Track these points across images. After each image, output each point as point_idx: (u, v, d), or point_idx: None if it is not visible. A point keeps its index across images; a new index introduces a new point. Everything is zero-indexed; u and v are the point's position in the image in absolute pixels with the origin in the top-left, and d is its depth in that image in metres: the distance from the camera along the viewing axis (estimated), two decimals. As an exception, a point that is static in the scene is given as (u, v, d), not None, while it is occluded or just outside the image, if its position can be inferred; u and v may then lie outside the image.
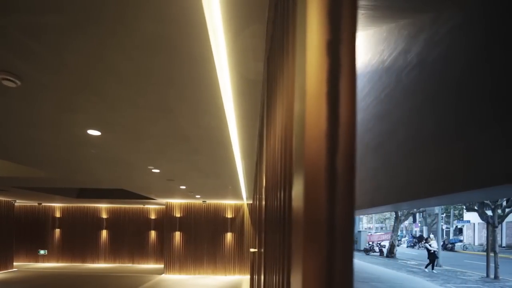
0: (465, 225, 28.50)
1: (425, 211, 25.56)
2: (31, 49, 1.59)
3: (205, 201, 9.82)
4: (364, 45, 9.45)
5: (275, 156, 0.91)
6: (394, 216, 18.30)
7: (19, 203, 11.18)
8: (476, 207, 13.26)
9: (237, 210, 9.97)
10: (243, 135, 3.00)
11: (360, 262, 14.35)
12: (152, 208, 11.65)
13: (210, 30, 1.39)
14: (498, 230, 12.56)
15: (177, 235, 9.95)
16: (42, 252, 11.60)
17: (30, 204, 11.52)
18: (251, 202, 9.36)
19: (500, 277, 10.34)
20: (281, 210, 0.72)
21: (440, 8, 5.20)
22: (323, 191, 0.37)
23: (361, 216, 36.60)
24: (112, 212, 11.68)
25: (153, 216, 11.68)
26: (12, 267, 10.35)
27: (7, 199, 10.00)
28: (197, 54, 1.59)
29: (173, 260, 9.88)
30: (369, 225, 42.95)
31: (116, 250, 11.65)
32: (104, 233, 11.66)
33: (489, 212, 12.08)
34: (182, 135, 2.98)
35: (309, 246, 0.38)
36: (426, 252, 14.81)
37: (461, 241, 27.72)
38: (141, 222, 11.67)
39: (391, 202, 7.25)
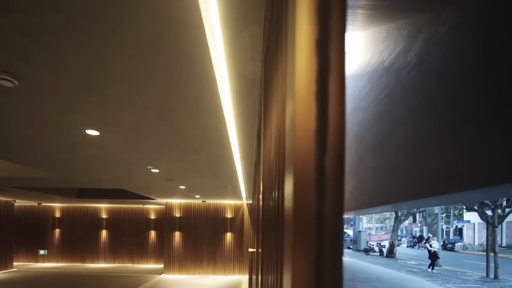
0: (465, 225, 28.49)
1: (425, 211, 25.55)
2: (29, 49, 1.59)
3: (204, 201, 9.82)
4: (364, 45, 9.45)
5: (270, 156, 0.91)
6: (394, 216, 18.30)
7: (18, 203, 11.19)
8: (476, 207, 13.25)
9: (237, 210, 9.97)
10: (242, 135, 3.00)
11: (360, 262, 14.34)
12: (152, 208, 11.66)
13: (208, 30, 1.39)
14: (498, 230, 12.55)
15: (177, 235, 9.95)
16: (42, 252, 11.60)
17: (29, 204, 11.53)
18: (250, 202, 9.36)
19: (500, 277, 10.34)
20: (275, 210, 0.72)
21: (439, 8, 5.20)
22: (312, 191, 0.36)
23: (361, 216, 36.59)
24: (112, 212, 11.68)
25: (153, 216, 11.68)
26: (12, 267, 10.35)
27: (7, 199, 10.01)
28: (195, 54, 1.58)
29: (172, 260, 9.88)
30: (369, 225, 42.94)
31: (116, 250, 11.65)
32: (104, 233, 11.66)
33: (489, 212, 12.08)
34: (181, 135, 2.98)
35: (299, 245, 0.38)
36: (426, 252, 14.82)
37: (461, 241, 27.71)
38: (141, 222, 11.67)
39: (391, 202, 7.25)
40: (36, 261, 11.67)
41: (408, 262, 15.25)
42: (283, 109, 0.60)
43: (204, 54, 1.58)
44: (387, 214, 33.13)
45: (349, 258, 15.94)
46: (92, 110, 2.38)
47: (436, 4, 5.44)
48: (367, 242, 21.29)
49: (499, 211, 12.05)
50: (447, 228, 30.25)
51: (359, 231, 22.89)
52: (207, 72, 1.76)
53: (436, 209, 25.12)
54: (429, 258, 12.42)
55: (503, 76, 3.86)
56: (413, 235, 30.83)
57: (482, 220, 12.30)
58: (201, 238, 9.92)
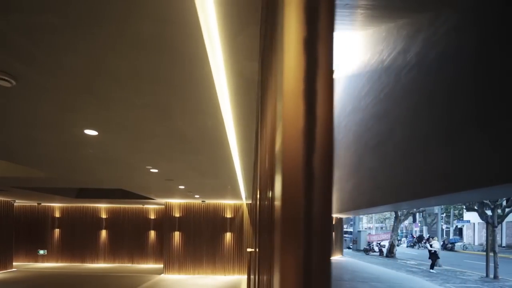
0: (465, 225, 28.49)
1: (424, 210, 25.55)
2: (27, 49, 1.59)
3: (204, 201, 9.82)
4: (364, 44, 9.45)
5: (265, 155, 0.91)
6: (394, 216, 18.30)
7: (18, 203, 11.18)
8: (476, 207, 13.25)
9: (237, 210, 9.97)
10: (240, 135, 3.00)
11: (359, 262, 14.34)
12: (152, 208, 11.66)
13: (204, 30, 1.39)
14: (498, 230, 12.55)
15: (177, 235, 9.95)
16: (41, 252, 11.60)
17: (29, 204, 11.52)
18: (250, 202, 9.36)
19: (500, 277, 10.34)
20: (269, 210, 0.72)
21: (438, 8, 5.20)
22: (300, 191, 0.36)
23: (361, 216, 36.60)
24: (111, 212, 11.68)
25: (152, 216, 11.68)
26: (11, 267, 10.35)
27: (7, 199, 10.01)
28: (192, 54, 1.58)
29: (172, 260, 9.88)
30: (369, 225, 42.94)
31: (116, 250, 11.65)
32: (103, 233, 11.66)
33: (489, 212, 12.07)
34: (179, 135, 2.98)
35: (287, 245, 0.38)
36: (425, 252, 14.81)
37: (460, 240, 27.71)
38: (141, 222, 11.67)
39: (390, 202, 7.25)
40: (36, 261, 11.67)
41: (408, 262, 15.25)
42: (275, 108, 0.60)
43: (202, 54, 1.58)
44: (387, 214, 33.14)
45: (349, 258, 15.95)
46: (90, 110, 2.38)
47: (434, 4, 5.44)
48: (367, 242, 21.30)
49: (499, 211, 12.05)
50: (447, 228, 30.25)
51: (359, 231, 22.89)
52: (205, 73, 1.76)
53: (436, 209, 25.11)
54: (429, 258, 12.41)
55: (502, 76, 3.86)
56: (413, 235, 30.84)
57: (482, 220, 12.30)
58: (200, 238, 9.92)
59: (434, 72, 5.41)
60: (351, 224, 31.45)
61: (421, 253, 20.00)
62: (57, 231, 11.66)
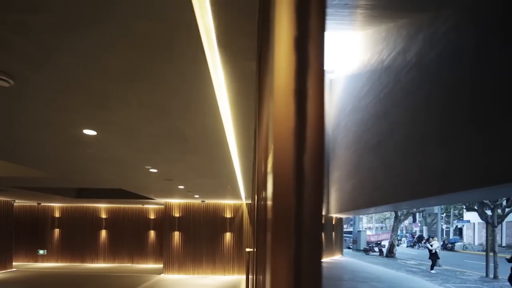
0: (465, 224, 28.49)
1: (424, 210, 25.54)
2: (24, 48, 1.59)
3: (204, 201, 9.82)
4: (364, 44, 9.44)
5: (262, 155, 0.90)
6: (394, 216, 18.29)
7: (18, 203, 11.18)
8: (476, 207, 13.24)
9: (236, 210, 9.97)
10: (239, 135, 3.00)
11: (359, 262, 14.34)
12: (151, 208, 11.65)
13: (201, 29, 1.39)
14: (498, 229, 12.54)
15: (176, 235, 9.95)
16: (41, 252, 11.60)
17: (29, 204, 11.52)
18: (249, 202, 9.36)
19: (500, 277, 10.33)
20: (264, 210, 0.72)
21: (437, 8, 5.20)
22: (291, 191, 0.36)
23: (361, 216, 36.60)
24: (111, 212, 11.68)
25: (152, 216, 11.68)
26: (11, 267, 10.35)
27: (6, 199, 10.01)
28: (189, 53, 1.58)
29: (172, 260, 9.88)
30: (369, 225, 42.93)
31: (115, 250, 11.65)
32: (103, 233, 11.66)
33: (489, 212, 12.07)
34: (178, 134, 2.98)
35: (278, 245, 0.37)
36: (425, 252, 14.81)
37: (460, 240, 27.70)
38: (140, 222, 11.67)
39: (390, 202, 7.25)
40: (36, 261, 11.67)
41: (408, 262, 15.25)
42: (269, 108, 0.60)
43: (199, 54, 1.58)
44: (387, 214, 33.14)
45: (349, 258, 15.95)
46: (88, 110, 2.38)
47: (434, 4, 5.44)
48: (367, 242, 21.30)
49: (499, 211, 12.04)
50: (447, 228, 30.25)
51: (359, 231, 22.90)
52: (202, 72, 1.75)
53: (436, 209, 25.11)
54: (429, 258, 12.39)
55: (503, 75, 3.85)
56: (413, 235, 30.83)
57: (482, 220, 12.30)
58: (200, 238, 9.92)
59: (434, 72, 5.41)
60: (351, 224, 31.46)
61: (421, 253, 20.00)
62: (57, 231, 11.66)
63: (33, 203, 11.46)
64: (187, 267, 9.85)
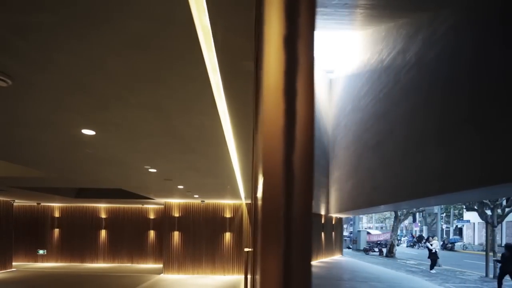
0: (465, 224, 28.48)
1: (424, 210, 25.53)
2: (21, 48, 1.58)
3: (203, 201, 9.82)
4: (363, 44, 9.44)
5: (258, 155, 0.90)
6: (394, 215, 18.29)
7: (18, 203, 11.19)
8: (476, 207, 13.24)
9: (236, 209, 9.97)
10: (238, 134, 3.00)
11: (359, 262, 14.34)
12: (151, 208, 11.66)
13: (199, 29, 1.38)
14: (497, 229, 12.54)
15: (176, 234, 9.95)
16: (41, 252, 11.60)
17: (29, 204, 11.52)
18: (249, 201, 9.36)
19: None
20: (258, 210, 0.71)
21: (437, 7, 5.19)
22: (280, 190, 0.36)
23: (361, 216, 36.61)
24: (111, 212, 11.68)
25: (152, 216, 11.68)
26: (11, 267, 10.35)
27: (6, 199, 10.01)
28: (187, 53, 1.58)
29: (171, 259, 9.87)
30: (369, 225, 42.95)
31: (115, 249, 11.65)
32: (103, 233, 11.66)
33: (489, 212, 12.07)
34: (176, 134, 2.97)
35: (268, 245, 0.37)
36: (425, 252, 14.81)
37: (460, 240, 27.69)
38: (140, 222, 11.67)
39: (390, 201, 7.24)
40: (35, 261, 11.67)
41: (408, 262, 15.25)
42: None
43: (197, 53, 1.58)
44: (387, 214, 33.14)
45: (348, 258, 15.95)
46: (87, 110, 2.37)
47: (434, 4, 5.43)
48: (367, 241, 21.31)
49: (499, 210, 12.04)
50: (447, 227, 30.25)
51: (359, 231, 22.90)
52: (200, 72, 1.75)
53: (436, 209, 25.10)
54: (428, 258, 12.39)
55: (500, 76, 3.85)
56: (412, 234, 30.83)
57: (482, 219, 12.30)
58: (200, 238, 9.92)
59: (433, 72, 5.41)
60: (351, 224, 31.46)
61: (420, 253, 20.00)
62: (56, 231, 11.66)
63: (33, 203, 11.46)
64: (187, 267, 9.85)
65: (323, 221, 14.49)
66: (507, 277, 8.52)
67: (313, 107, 0.37)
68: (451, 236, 27.85)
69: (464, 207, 20.83)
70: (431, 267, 12.11)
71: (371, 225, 42.08)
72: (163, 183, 6.12)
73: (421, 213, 26.70)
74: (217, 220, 9.93)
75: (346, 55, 11.66)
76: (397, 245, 19.99)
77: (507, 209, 12.46)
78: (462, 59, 4.61)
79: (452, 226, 29.25)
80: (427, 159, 5.50)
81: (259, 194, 0.40)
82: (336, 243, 16.20)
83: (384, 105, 7.51)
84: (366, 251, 19.60)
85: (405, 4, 6.28)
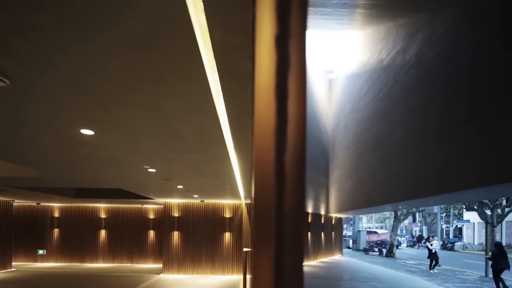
0: (465, 224, 28.48)
1: (424, 210, 25.53)
2: (19, 48, 1.58)
3: (203, 201, 9.82)
4: (363, 44, 9.44)
5: (254, 154, 0.90)
6: (394, 215, 18.29)
7: (17, 203, 11.18)
8: (475, 207, 13.24)
9: (235, 209, 9.97)
10: (237, 134, 3.00)
11: (359, 262, 14.35)
12: (151, 208, 11.65)
13: (196, 29, 1.38)
14: (497, 229, 12.54)
15: (176, 234, 9.94)
16: (40, 251, 11.60)
17: (28, 204, 11.52)
18: (249, 201, 9.36)
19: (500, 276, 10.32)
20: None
21: (437, 7, 5.19)
22: (272, 190, 0.36)
23: (360, 216, 36.61)
24: (110, 212, 11.68)
25: (151, 216, 11.67)
26: (10, 267, 10.35)
27: (6, 199, 10.01)
28: (184, 53, 1.58)
29: (171, 259, 9.87)
30: (369, 225, 42.96)
31: (115, 249, 11.65)
32: (102, 233, 11.66)
33: (489, 212, 12.07)
34: (175, 134, 2.97)
35: (259, 245, 0.37)
36: (425, 252, 14.80)
37: (460, 240, 27.69)
38: (140, 222, 11.67)
39: (389, 201, 7.24)
40: (35, 261, 11.67)
41: (407, 261, 15.26)
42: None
43: (195, 53, 1.58)
44: (387, 214, 33.15)
45: (348, 258, 15.95)
46: (85, 110, 2.37)
47: (433, 4, 5.43)
48: (367, 241, 21.31)
49: (499, 210, 12.04)
50: (447, 227, 30.26)
51: (359, 231, 22.90)
52: (198, 71, 1.75)
53: (436, 209, 25.07)
54: (428, 258, 12.38)
55: (500, 76, 3.85)
56: (412, 234, 30.83)
57: (482, 219, 12.29)
58: (199, 237, 9.92)
59: (433, 72, 5.41)
60: (351, 224, 31.46)
61: (420, 252, 20.00)
62: (56, 231, 11.66)
63: (33, 203, 11.46)
64: (187, 267, 9.85)
65: (323, 221, 14.50)
66: (509, 277, 8.56)
67: (304, 107, 0.37)
68: (451, 236, 27.86)
69: (464, 207, 20.83)
70: (430, 267, 12.11)
71: (371, 225, 42.09)
72: (162, 183, 6.12)
73: (421, 213, 26.72)
74: (216, 220, 9.93)
75: (345, 55, 11.66)
76: (398, 246, 19.99)
77: (506, 209, 12.46)
78: (462, 59, 4.60)
79: (452, 226, 29.26)
80: (427, 159, 5.50)
81: (252, 193, 0.40)
82: (336, 243, 16.20)
83: (384, 105, 7.51)
84: (365, 251, 19.61)
85: (404, 4, 6.27)
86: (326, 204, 13.69)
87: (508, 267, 8.59)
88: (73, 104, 2.26)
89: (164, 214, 10.02)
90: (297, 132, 0.37)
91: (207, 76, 1.81)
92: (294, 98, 0.37)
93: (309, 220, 13.22)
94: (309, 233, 13.10)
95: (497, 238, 13.79)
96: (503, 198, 12.12)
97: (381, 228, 38.76)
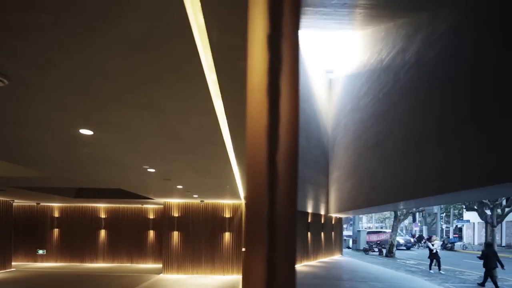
0: (465, 224, 28.48)
1: (424, 210, 25.53)
2: (18, 48, 1.58)
3: (203, 201, 9.82)
4: (363, 44, 9.43)
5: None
6: (394, 215, 18.29)
7: (17, 203, 11.18)
8: (475, 207, 13.23)
9: (235, 209, 9.97)
10: (236, 134, 3.00)
11: (359, 262, 14.34)
12: (151, 207, 11.66)
13: (194, 28, 1.38)
14: (497, 229, 12.54)
15: (175, 234, 9.94)
16: (40, 251, 11.60)
17: (28, 204, 11.52)
18: (249, 201, 9.33)
19: (499, 277, 10.32)
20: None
21: (436, 7, 5.18)
22: (264, 190, 0.36)
23: (360, 216, 36.61)
24: (110, 212, 11.68)
25: (151, 216, 11.67)
26: (10, 267, 10.35)
27: (5, 199, 10.01)
28: (183, 52, 1.58)
29: (171, 259, 9.87)
30: (369, 225, 42.95)
31: (115, 249, 11.65)
32: (102, 232, 11.66)
33: (488, 212, 12.06)
34: (174, 134, 2.97)
35: (252, 245, 0.37)
36: (425, 252, 14.80)
37: (460, 240, 27.69)
38: (140, 222, 11.67)
39: (389, 201, 7.24)
40: (35, 260, 11.67)
41: (407, 261, 15.25)
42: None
43: (193, 53, 1.58)
44: (387, 214, 33.14)
45: (348, 258, 15.95)
46: (84, 110, 2.37)
47: (433, 3, 5.43)
48: (366, 241, 21.31)
49: (499, 210, 12.03)
50: (447, 227, 30.25)
51: (359, 231, 22.90)
52: (197, 71, 1.75)
53: (436, 209, 25.06)
54: (428, 258, 12.34)
55: (499, 76, 3.85)
56: (412, 234, 30.82)
57: (482, 219, 12.29)
58: (199, 237, 9.92)
59: (433, 72, 5.40)
60: (350, 224, 31.46)
61: (420, 252, 20.00)
62: (56, 230, 11.66)
63: (32, 203, 11.46)
64: (186, 267, 9.85)
65: (322, 221, 14.49)
66: (509, 277, 8.60)
67: (297, 106, 0.37)
68: (451, 236, 27.85)
69: (464, 207, 20.83)
70: (430, 267, 12.09)
71: (371, 225, 42.08)
72: (162, 183, 6.12)
73: (421, 213, 26.72)
74: (216, 220, 9.93)
75: (345, 55, 11.66)
76: (399, 247, 19.98)
77: (506, 209, 12.46)
78: (462, 59, 4.60)
79: (452, 226, 29.25)
80: (426, 159, 5.50)
81: (245, 193, 0.40)
82: (336, 243, 16.20)
83: (384, 105, 7.51)
84: (365, 251, 19.61)
85: (404, 3, 6.27)
86: (326, 204, 13.69)
87: (496, 266, 9.16)
88: (72, 104, 2.26)
89: (164, 214, 10.02)
90: (289, 131, 0.36)
91: (206, 76, 1.81)
92: (287, 97, 0.36)
93: (309, 220, 13.21)
94: (308, 233, 13.10)
95: (497, 238, 13.79)
96: (503, 198, 12.12)
97: (381, 228, 38.75)
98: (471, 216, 25.06)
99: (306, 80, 11.45)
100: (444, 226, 30.35)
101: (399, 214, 17.48)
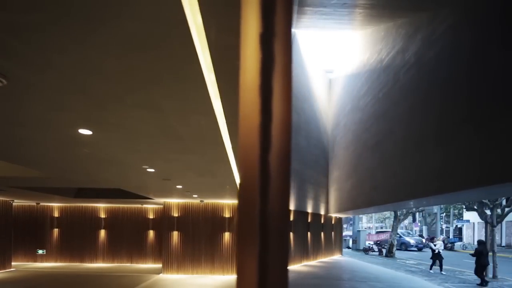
0: (465, 224, 28.46)
1: (424, 210, 25.50)
2: (16, 48, 1.58)
3: (202, 201, 9.81)
4: (362, 44, 9.42)
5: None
6: (394, 215, 18.28)
7: (17, 203, 11.18)
8: (475, 206, 13.21)
9: (235, 209, 9.96)
10: (235, 134, 2.99)
11: (359, 262, 14.34)
12: (150, 207, 11.65)
13: (193, 28, 1.38)
14: (497, 229, 12.51)
15: (175, 234, 9.94)
16: (40, 251, 11.60)
17: (28, 204, 11.52)
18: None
19: (499, 277, 10.33)
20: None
21: (436, 7, 5.18)
22: (256, 189, 0.36)
23: (360, 216, 36.60)
24: (110, 212, 11.68)
25: (151, 216, 11.67)
26: (10, 267, 10.35)
27: (5, 199, 10.01)
28: (181, 52, 1.58)
29: (171, 259, 9.87)
30: (369, 225, 42.94)
31: (115, 249, 11.64)
32: (102, 232, 11.65)
33: (488, 212, 12.04)
34: (173, 134, 2.97)
35: (244, 243, 0.37)
36: (424, 252, 14.78)
37: (460, 240, 27.66)
38: (139, 222, 11.66)
39: (388, 201, 7.23)
40: (35, 260, 11.67)
41: (407, 261, 15.24)
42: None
43: (192, 53, 1.57)
44: (387, 214, 33.12)
45: (348, 258, 15.94)
46: (83, 110, 2.37)
47: (433, 3, 5.43)
48: (366, 241, 21.30)
49: (499, 210, 12.01)
50: (446, 227, 30.23)
51: (359, 231, 22.88)
52: (195, 71, 1.75)
53: (436, 209, 25.04)
54: (431, 258, 12.28)
55: (499, 76, 3.85)
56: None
57: (482, 219, 12.27)
58: (199, 237, 9.92)
59: (432, 72, 5.40)
60: (350, 224, 31.45)
61: (420, 252, 19.99)
62: (56, 230, 11.66)
63: (32, 203, 11.46)
64: (186, 267, 9.85)
65: (322, 221, 14.49)
66: (509, 276, 8.59)
67: (289, 106, 0.37)
68: (451, 236, 27.83)
69: (464, 207, 20.80)
70: (431, 267, 12.08)
71: (371, 224, 42.06)
72: (161, 183, 6.12)
73: (421, 213, 26.69)
74: (216, 220, 9.93)
75: (345, 55, 11.65)
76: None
77: (506, 209, 12.43)
78: (461, 59, 4.60)
79: (452, 226, 29.24)
80: (426, 159, 5.50)
81: (238, 193, 0.40)
82: (336, 242, 16.20)
83: (384, 105, 7.51)
84: (365, 250, 19.60)
85: (404, 3, 6.27)
86: (326, 204, 13.69)
87: (489, 263, 9.57)
88: (71, 104, 2.26)
89: (164, 214, 10.01)
90: (282, 131, 0.36)
91: (204, 76, 1.81)
92: (279, 97, 0.36)
93: (309, 220, 13.21)
94: (308, 233, 13.09)
95: (497, 238, 13.78)
96: (503, 198, 12.10)
97: (381, 228, 38.73)
98: (471, 216, 25.04)
99: (306, 80, 11.45)
100: (444, 226, 30.33)
101: (399, 214, 17.47)
